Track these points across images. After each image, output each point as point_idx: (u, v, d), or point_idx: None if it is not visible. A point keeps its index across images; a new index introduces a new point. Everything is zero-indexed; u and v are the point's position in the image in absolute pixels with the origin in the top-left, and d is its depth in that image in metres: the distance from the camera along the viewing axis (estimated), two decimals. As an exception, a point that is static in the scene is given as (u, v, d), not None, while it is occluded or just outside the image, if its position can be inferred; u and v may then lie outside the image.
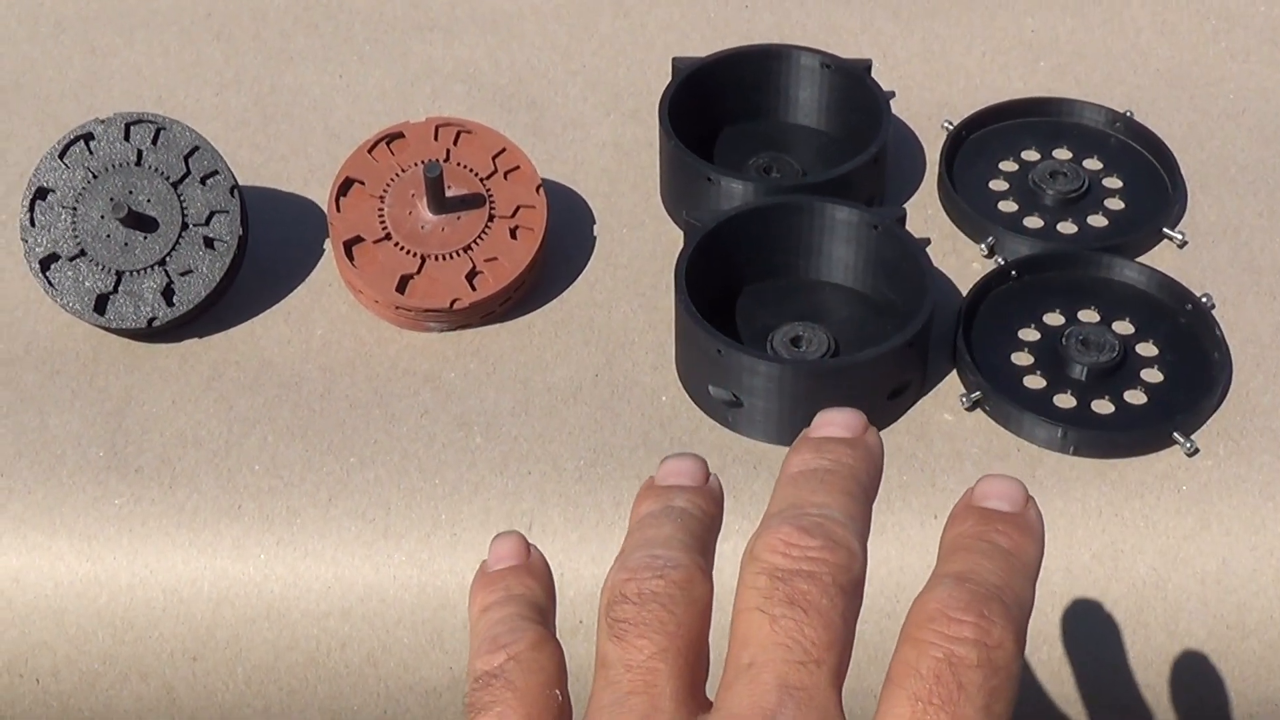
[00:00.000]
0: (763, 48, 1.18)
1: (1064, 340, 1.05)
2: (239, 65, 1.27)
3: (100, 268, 1.06)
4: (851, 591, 0.51)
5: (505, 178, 1.10)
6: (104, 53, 1.29)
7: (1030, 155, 1.20)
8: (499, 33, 1.30)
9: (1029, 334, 1.08)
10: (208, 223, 1.07)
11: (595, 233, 1.14)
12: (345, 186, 1.09)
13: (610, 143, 1.20)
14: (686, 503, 0.60)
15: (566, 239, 1.11)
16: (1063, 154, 1.20)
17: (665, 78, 1.23)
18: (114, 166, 1.08)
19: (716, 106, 1.18)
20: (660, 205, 1.16)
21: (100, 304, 1.06)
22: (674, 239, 1.13)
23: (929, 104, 1.23)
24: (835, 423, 0.61)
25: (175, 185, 1.07)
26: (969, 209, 1.14)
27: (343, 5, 1.32)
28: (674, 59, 1.18)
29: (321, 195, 1.17)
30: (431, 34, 1.30)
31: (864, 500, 0.55)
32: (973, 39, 1.29)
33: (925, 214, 1.15)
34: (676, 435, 1.02)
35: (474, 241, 1.07)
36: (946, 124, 1.19)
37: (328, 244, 1.13)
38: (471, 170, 1.10)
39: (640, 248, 1.13)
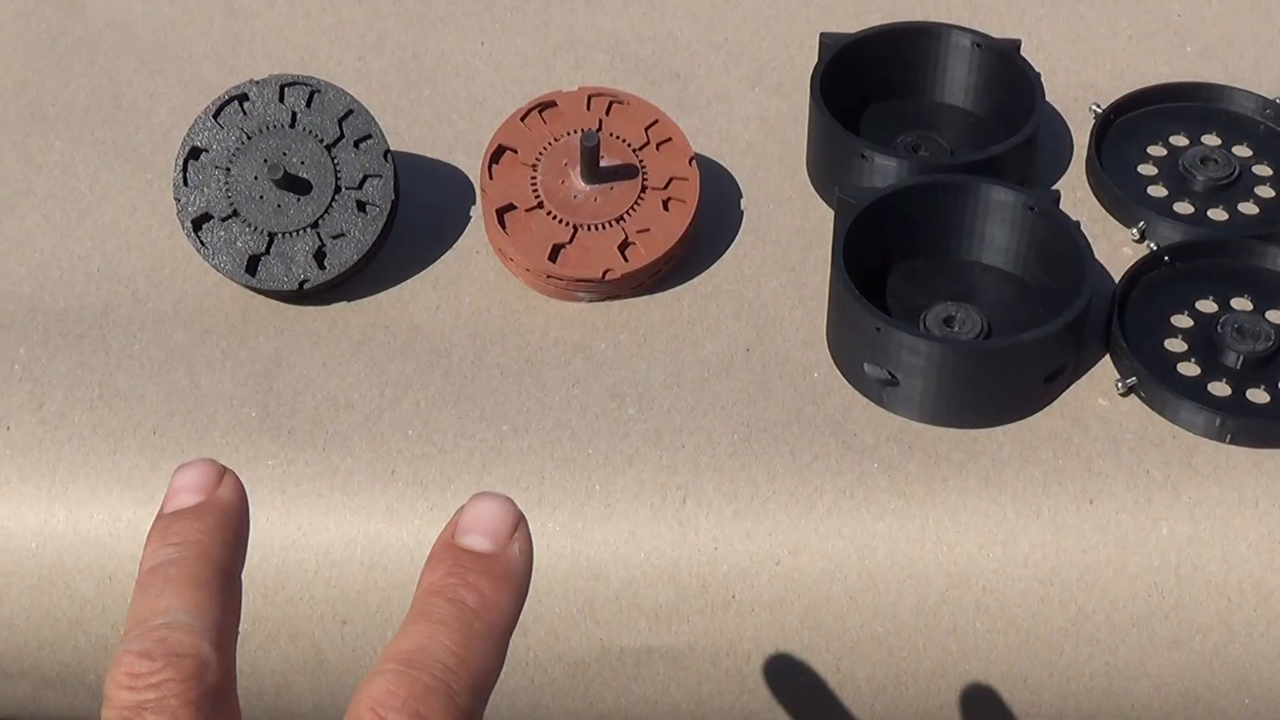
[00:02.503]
0: (915, 25, 1.17)
1: (1219, 328, 1.04)
2: (380, 30, 1.27)
3: (252, 229, 1.06)
4: (208, 702, 0.47)
5: (658, 149, 1.09)
6: (244, 14, 1.29)
7: (1179, 140, 1.18)
8: (640, 4, 1.29)
9: (1182, 320, 1.06)
10: (360, 186, 1.07)
11: (742, 206, 1.13)
12: (497, 154, 1.09)
13: (756, 117, 1.20)
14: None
15: (713, 212, 1.11)
16: (1211, 140, 1.18)
17: (809, 53, 1.23)
18: (268, 128, 1.08)
19: (864, 83, 1.17)
20: (807, 181, 1.15)
21: (252, 265, 1.06)
22: (821, 215, 1.13)
23: (1074, 86, 1.21)
24: (184, 487, 0.55)
25: (329, 148, 1.07)
26: (1120, 193, 1.13)
27: (483, -29, 1.32)
28: (822, 34, 1.17)
29: (467, 163, 1.16)
30: (572, 2, 1.29)
31: (219, 582, 0.51)
32: (1118, 22, 1.28)
33: (1074, 196, 1.14)
34: (829, 412, 1.01)
35: (626, 212, 1.07)
36: (1094, 107, 1.18)
37: (474, 211, 1.13)
38: (624, 141, 1.09)
39: (788, 223, 1.12)
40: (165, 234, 1.12)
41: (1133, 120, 1.19)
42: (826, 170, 1.13)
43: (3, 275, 1.11)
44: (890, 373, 0.99)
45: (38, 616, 0.99)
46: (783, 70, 1.23)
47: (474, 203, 1.14)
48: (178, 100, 1.22)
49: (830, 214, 1.12)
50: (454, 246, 1.11)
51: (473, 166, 1.16)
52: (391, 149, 1.09)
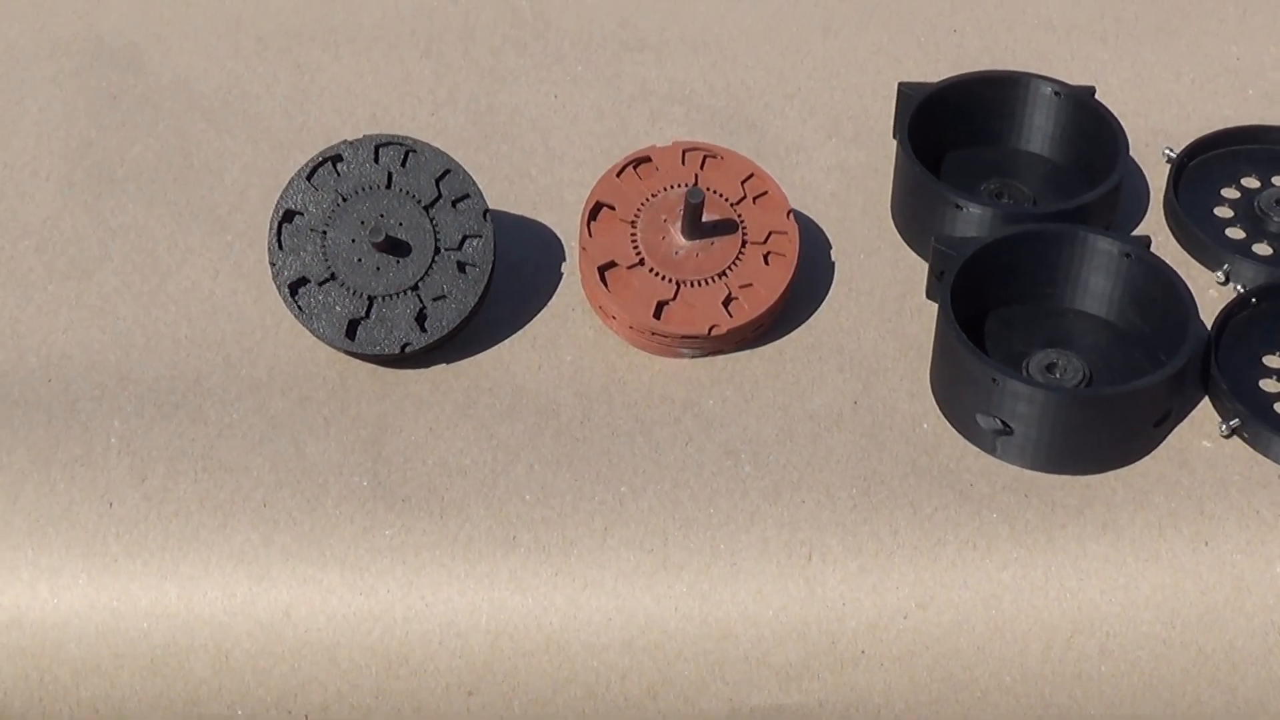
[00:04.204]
0: (997, 74, 1.18)
1: (1314, 369, 1.05)
2: (451, 84, 1.27)
3: (352, 292, 1.05)
4: None
5: (754, 203, 1.10)
6: (310, 69, 1.28)
7: (1250, 182, 1.20)
8: (710, 53, 1.29)
9: (1274, 361, 1.08)
10: (460, 247, 1.06)
11: (833, 257, 1.14)
12: (595, 211, 1.09)
13: (836, 166, 1.20)
14: None
15: (805, 264, 1.11)
16: (1282, 180, 1.20)
17: (882, 101, 1.23)
18: (363, 189, 1.07)
19: (945, 131, 1.17)
20: (894, 230, 1.16)
21: (352, 329, 1.05)
22: (912, 265, 1.13)
23: (1143, 130, 1.23)
24: None
25: (427, 209, 1.07)
26: (1202, 236, 1.14)
27: (549, 24, 1.31)
28: (900, 84, 1.17)
29: (551, 218, 1.16)
30: (642, 54, 1.29)
31: None
32: (1180, 66, 1.29)
33: (1156, 240, 1.14)
34: (943, 463, 1.01)
35: (729, 267, 1.07)
36: (1168, 151, 1.19)
37: (565, 268, 1.13)
38: (721, 195, 1.09)
39: (879, 273, 1.13)
40: (252, 298, 1.11)
41: (1205, 163, 1.20)
42: (915, 219, 1.14)
43: (87, 345, 1.09)
44: (1004, 423, 0.99)
45: (150, 699, 0.97)
46: (858, 120, 1.24)
47: (564, 259, 1.13)
48: (249, 158, 1.21)
49: (920, 263, 1.13)
50: (549, 305, 1.11)
51: (557, 221, 1.16)
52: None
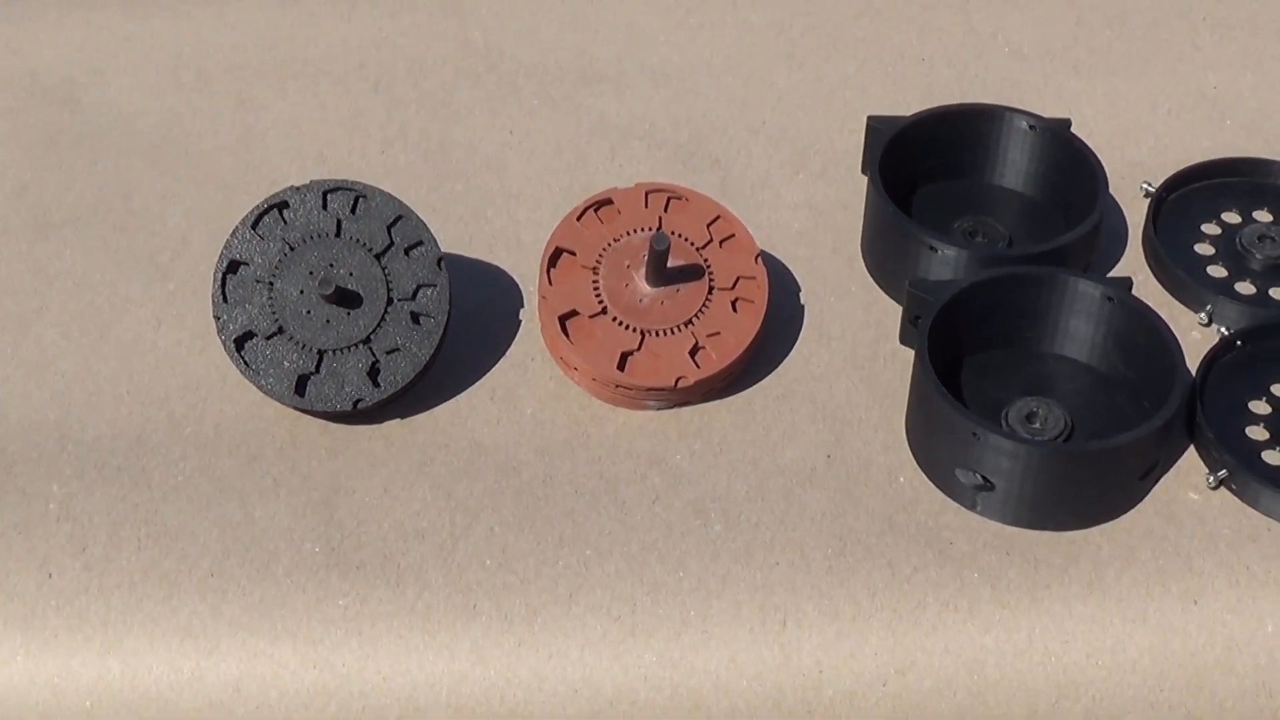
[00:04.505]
0: (970, 107, 1.14)
1: (1301, 414, 1.01)
2: (402, 120, 1.22)
3: (300, 346, 1.00)
4: None
5: (721, 246, 1.05)
6: (255, 106, 1.23)
7: (1231, 217, 1.16)
8: (671, 85, 1.25)
9: (1260, 406, 1.04)
10: (414, 297, 1.02)
11: (802, 300, 1.09)
12: (555, 257, 1.04)
13: (804, 204, 1.16)
14: None
15: (774, 307, 1.07)
16: (1263, 215, 1.16)
17: (849, 134, 1.19)
18: (312, 238, 1.02)
19: (916, 166, 1.13)
20: (864, 271, 1.12)
21: (301, 385, 1.00)
22: (884, 308, 1.09)
23: (1120, 163, 1.19)
24: None
25: (378, 257, 1.02)
26: (1183, 275, 1.10)
27: (504, 55, 1.27)
28: (869, 118, 1.13)
29: (509, 261, 1.12)
30: (600, 86, 1.25)
31: None
32: (1156, 96, 1.26)
33: (1136, 279, 1.11)
34: (921, 520, 0.97)
35: (695, 315, 1.02)
36: (1145, 186, 1.15)
37: (524, 314, 1.08)
38: (687, 239, 1.05)
39: (851, 317, 1.09)
40: (196, 350, 1.06)
41: (1185, 198, 1.16)
42: (887, 260, 1.09)
43: (24, 401, 1.04)
44: (984, 478, 0.95)
45: (94, 776, 0.92)
46: (825, 154, 1.20)
47: (522, 305, 1.09)
48: (192, 201, 1.16)
49: (892, 306, 1.09)
50: (507, 354, 1.06)
51: (515, 265, 1.11)
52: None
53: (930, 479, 0.99)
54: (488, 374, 1.05)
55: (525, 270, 1.10)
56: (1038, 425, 0.99)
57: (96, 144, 1.20)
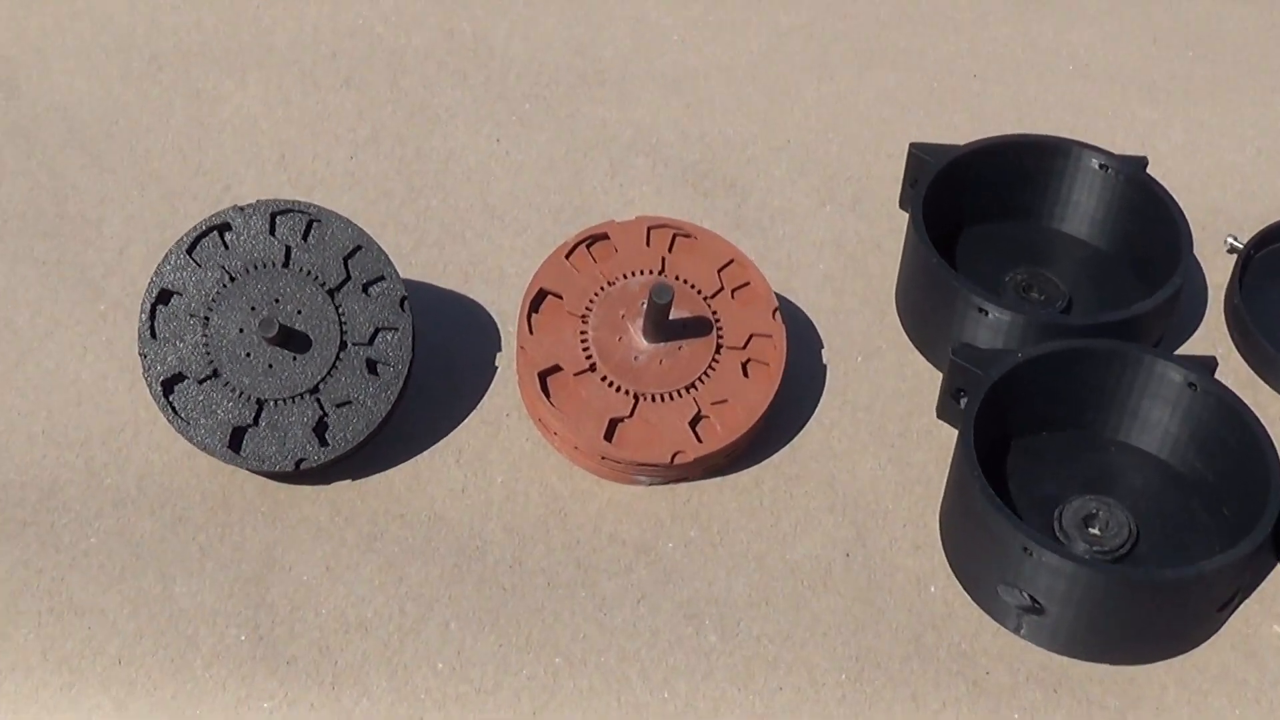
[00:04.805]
0: (1036, 139, 0.99)
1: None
2: (375, 121, 1.06)
3: (237, 394, 0.86)
4: None
5: (733, 296, 0.90)
6: (211, 99, 1.08)
7: (1326, 277, 1.01)
8: (683, 94, 1.09)
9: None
10: (371, 341, 0.87)
11: (825, 359, 0.94)
12: (539, 300, 0.89)
13: (831, 241, 1.01)
14: None
15: (791, 368, 0.91)
16: (1363, 275, 1.01)
17: (887, 160, 1.04)
18: (256, 267, 0.87)
19: (965, 202, 0.98)
20: (898, 326, 0.96)
21: (237, 439, 0.86)
22: (920, 372, 0.94)
23: (1198, 210, 1.03)
24: None
25: (332, 293, 0.87)
26: (1272, 350, 0.94)
27: (494, 51, 1.11)
28: (912, 145, 0.98)
29: (486, 294, 0.97)
30: (602, 91, 1.09)
31: None
32: (1245, 132, 1.10)
33: (1216, 351, 0.95)
34: (953, 640, 0.83)
35: (699, 379, 0.87)
36: (1231, 240, 1.00)
37: (501, 359, 0.93)
38: (693, 286, 0.90)
39: (881, 382, 0.94)
40: (125, 384, 0.91)
41: (1274, 254, 1.01)
42: (926, 317, 0.94)
43: (-80, 435, 0.89)
44: (1033, 599, 0.80)
45: None
46: (858, 183, 1.04)
47: (499, 349, 0.94)
48: (134, 207, 1.01)
49: (930, 370, 0.94)
50: (478, 408, 0.91)
51: (493, 300, 0.96)
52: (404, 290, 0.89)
53: (967, 591, 0.84)
54: (454, 431, 0.90)
55: (506, 307, 0.95)
56: (1097, 531, 0.84)
57: (31, 135, 1.05)
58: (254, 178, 1.02)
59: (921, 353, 0.95)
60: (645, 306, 0.86)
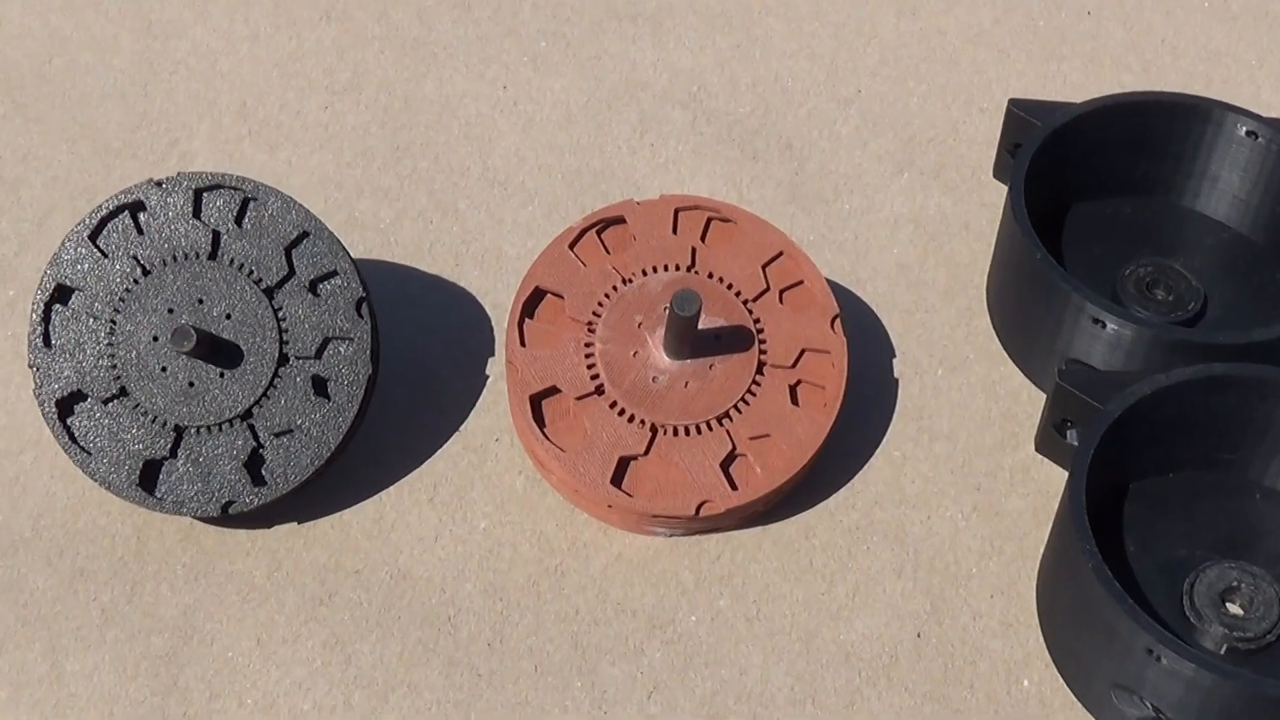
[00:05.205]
0: (1165, 99, 0.78)
1: None
2: (358, 61, 0.88)
3: (150, 419, 0.68)
4: None
5: (781, 299, 0.71)
6: (165, 31, 0.89)
7: None
8: (732, 30, 0.89)
9: None
10: (319, 355, 0.68)
11: (895, 372, 0.75)
12: (533, 302, 0.70)
13: (908, 219, 0.81)
14: None
15: (853, 381, 0.72)
16: None
17: (981, 117, 0.85)
18: (175, 258, 0.69)
19: (1075, 175, 0.78)
20: (989, 328, 0.77)
21: (149, 475, 0.68)
22: (1016, 389, 0.75)
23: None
24: None
25: (270, 292, 0.69)
26: None
27: (505, -23, 0.92)
28: (1012, 101, 0.78)
29: (480, 281, 0.78)
30: (634, 26, 0.89)
31: None
32: None
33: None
34: (1053, 753, 0.64)
35: (734, 407, 0.68)
36: None
37: (493, 366, 0.75)
38: (730, 286, 0.71)
39: (967, 403, 0.74)
40: (24, 399, 0.74)
41: None
42: (1026, 322, 0.75)
43: None
44: (1156, 709, 0.61)
45: None
46: (942, 144, 0.85)
47: (492, 353, 0.75)
48: (61, 167, 0.83)
49: (1028, 389, 0.74)
50: (462, 429, 0.73)
51: (489, 288, 0.78)
52: (363, 256, 0.71)
53: (1070, 688, 0.65)
54: (429, 460, 0.72)
55: (503, 299, 0.77)
56: (1238, 609, 0.65)
57: (-58, 73, 0.87)
58: (208, 131, 0.84)
59: (1018, 366, 0.76)
60: (667, 314, 0.67)
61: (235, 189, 0.70)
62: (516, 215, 0.81)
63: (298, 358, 0.69)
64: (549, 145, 0.84)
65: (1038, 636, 0.68)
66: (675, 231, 0.72)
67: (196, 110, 0.86)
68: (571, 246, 0.72)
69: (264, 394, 0.68)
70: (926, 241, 0.81)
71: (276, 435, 0.68)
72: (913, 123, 0.86)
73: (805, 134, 0.85)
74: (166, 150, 0.84)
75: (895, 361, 0.76)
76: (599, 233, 0.73)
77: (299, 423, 0.68)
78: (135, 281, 0.69)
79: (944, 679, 0.66)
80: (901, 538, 0.70)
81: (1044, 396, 0.74)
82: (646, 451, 0.68)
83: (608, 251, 0.72)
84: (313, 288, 0.69)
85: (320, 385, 0.69)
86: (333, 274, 0.70)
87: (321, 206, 0.80)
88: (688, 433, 0.68)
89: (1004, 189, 0.82)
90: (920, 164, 0.84)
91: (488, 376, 0.75)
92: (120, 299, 0.69)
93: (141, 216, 0.70)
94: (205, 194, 0.70)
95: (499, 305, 0.78)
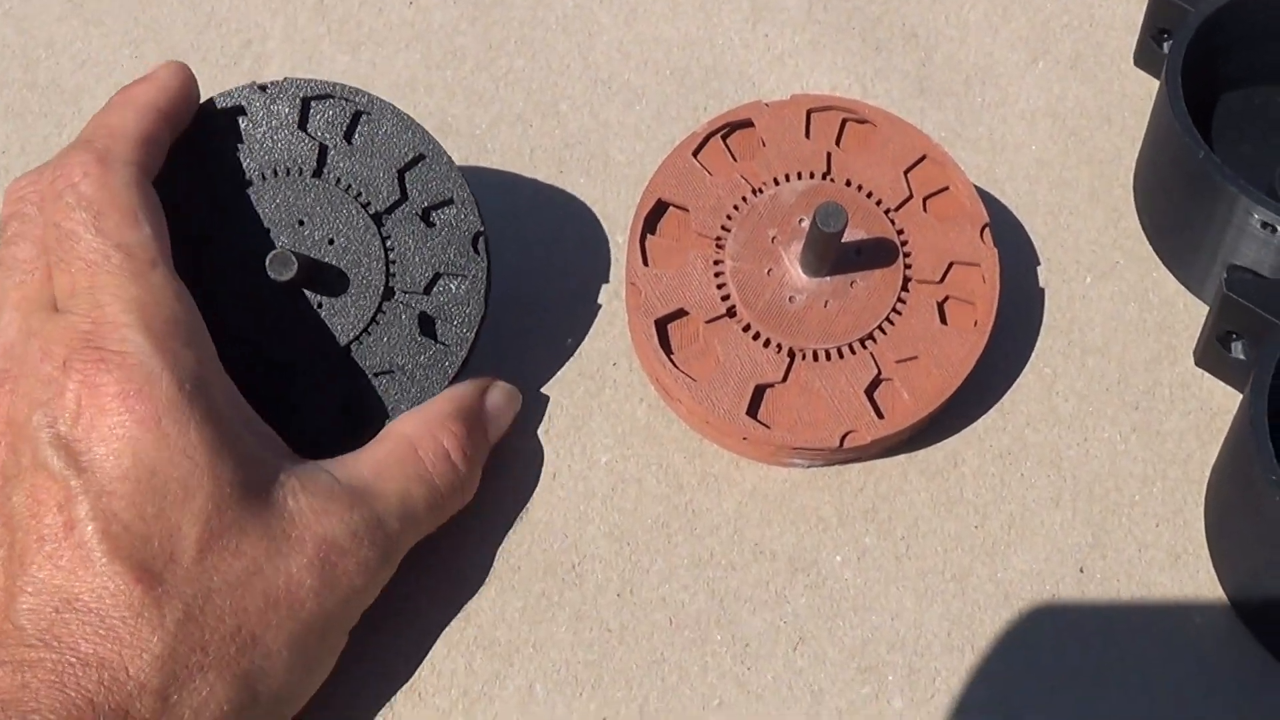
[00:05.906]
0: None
1: None
2: (441, -47, 0.81)
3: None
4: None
5: (925, 207, 0.65)
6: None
7: None
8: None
9: None
10: (428, 291, 0.63)
11: (1042, 280, 0.69)
12: (655, 215, 0.65)
13: (1045, 111, 0.75)
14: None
15: (1003, 296, 0.67)
16: None
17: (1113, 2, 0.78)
18: (275, 172, 0.63)
19: (1224, 63, 0.72)
20: (1139, 230, 0.71)
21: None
22: (1170, 296, 0.69)
23: None
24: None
25: (378, 218, 0.63)
26: None
27: None
28: (1160, -22, 0.71)
29: (589, 190, 0.73)
30: (738, -94, 0.83)
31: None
32: None
33: None
34: (1231, 696, 0.59)
35: (879, 327, 0.63)
36: None
37: (606, 288, 0.69)
38: (870, 195, 0.65)
39: (1119, 312, 0.69)
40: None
41: None
42: (1180, 222, 0.69)
43: None
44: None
45: None
46: (1078, 31, 0.78)
47: (606, 273, 0.70)
48: (123, 72, 0.78)
49: (1186, 297, 0.69)
50: (577, 354, 0.68)
51: (598, 197, 0.72)
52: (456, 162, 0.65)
53: (1249, 626, 0.60)
54: (541, 387, 0.67)
55: (613, 209, 0.71)
56: None
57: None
58: (282, 30, 0.78)
59: (1172, 271, 0.70)
60: (807, 228, 0.62)
61: (347, 100, 0.64)
62: (623, 117, 0.75)
63: (405, 292, 0.63)
64: (654, 38, 0.78)
65: (1208, 568, 0.63)
66: (808, 135, 0.66)
67: (269, 7, 0.80)
68: (695, 154, 0.66)
69: (364, 330, 0.63)
70: (1067, 137, 0.75)
71: (375, 375, 0.63)
72: (1046, 7, 0.79)
73: (931, 21, 0.79)
74: (239, 52, 0.78)
75: (1040, 270, 0.71)
76: (724, 138, 0.67)
77: (401, 363, 0.63)
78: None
79: (1113, 616, 0.61)
80: (1057, 462, 0.65)
81: (1201, 304, 0.69)
82: (785, 379, 0.63)
83: (735, 159, 0.66)
84: (425, 216, 0.64)
85: (427, 324, 0.63)
86: (448, 202, 0.64)
87: (410, 113, 0.74)
88: (828, 357, 0.63)
89: (1146, 78, 0.75)
90: (1055, 52, 0.77)
91: (600, 294, 0.70)
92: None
93: (241, 122, 0.64)
94: (314, 102, 0.64)
95: (609, 216, 0.72)
